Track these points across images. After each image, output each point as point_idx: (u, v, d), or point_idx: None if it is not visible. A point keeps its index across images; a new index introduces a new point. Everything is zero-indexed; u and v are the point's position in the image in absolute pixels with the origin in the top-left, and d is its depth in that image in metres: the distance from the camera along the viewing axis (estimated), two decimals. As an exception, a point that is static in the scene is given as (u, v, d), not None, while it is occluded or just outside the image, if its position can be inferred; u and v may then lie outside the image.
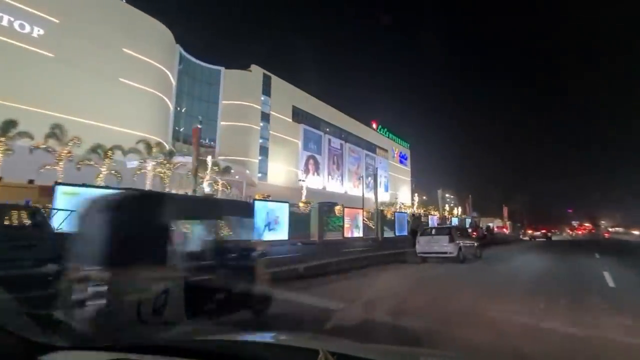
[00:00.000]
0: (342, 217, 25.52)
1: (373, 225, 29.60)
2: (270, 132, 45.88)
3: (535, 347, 3.61)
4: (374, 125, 72.23)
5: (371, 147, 69.74)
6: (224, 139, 41.36)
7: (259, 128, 44.39)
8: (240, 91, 42.37)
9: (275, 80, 47.40)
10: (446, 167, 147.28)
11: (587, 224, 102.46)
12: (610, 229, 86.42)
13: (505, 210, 59.33)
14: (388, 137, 76.94)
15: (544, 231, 35.79)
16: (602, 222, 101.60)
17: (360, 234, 26.85)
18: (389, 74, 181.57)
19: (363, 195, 36.04)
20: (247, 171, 39.97)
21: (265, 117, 45.65)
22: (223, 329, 2.47)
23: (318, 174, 53.61)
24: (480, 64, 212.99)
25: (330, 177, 56.42)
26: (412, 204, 69.52)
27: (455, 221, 36.46)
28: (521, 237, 36.07)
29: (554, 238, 44.32)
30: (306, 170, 51.03)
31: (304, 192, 42.70)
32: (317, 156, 53.75)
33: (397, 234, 31.58)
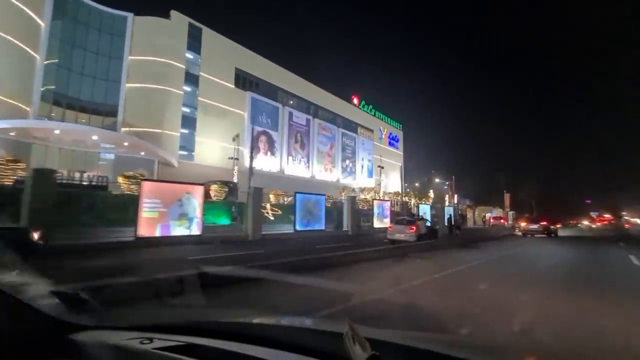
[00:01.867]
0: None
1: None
2: (199, 98, 36.24)
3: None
4: (355, 101, 61.78)
5: (350, 126, 59.43)
6: (131, 105, 31.96)
7: (182, 93, 34.80)
8: (156, 45, 32.78)
9: (209, 35, 37.56)
10: (445, 152, 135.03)
11: (607, 215, 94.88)
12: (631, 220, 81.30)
13: (506, 198, 48.52)
14: (374, 115, 66.42)
15: (543, 223, 24.97)
16: (623, 213, 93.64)
17: (322, 226, 17.47)
18: (379, 44, 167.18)
19: (335, 180, 25.89)
20: (160, 149, 30.63)
21: (193, 79, 36.00)
22: (244, 312, 2.08)
23: (273, 154, 43.87)
24: (486, 32, 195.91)
25: (291, 158, 46.63)
26: (404, 191, 59.70)
27: (425, 210, 26.41)
28: (516, 231, 25.55)
29: (561, 232, 33.48)
30: (255, 148, 41.30)
31: (235, 174, 33.15)
32: (272, 132, 43.94)
33: (374, 225, 24.33)
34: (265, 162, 42.44)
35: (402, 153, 74.69)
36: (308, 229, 16.34)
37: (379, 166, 54.03)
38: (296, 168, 46.65)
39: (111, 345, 1.17)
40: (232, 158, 33.79)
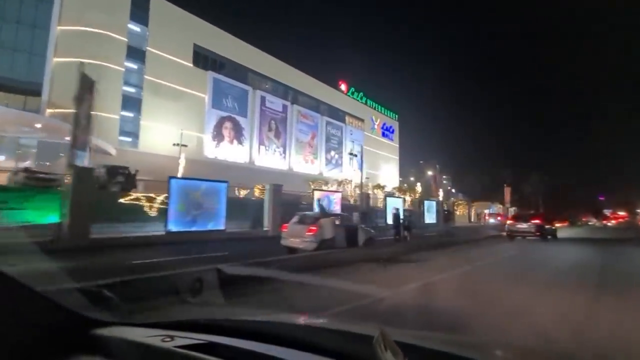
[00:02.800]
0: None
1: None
2: (147, 77, 31.56)
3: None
4: (343, 87, 56.57)
5: (337, 114, 54.30)
6: (59, 83, 27.42)
7: (123, 70, 30.16)
8: (91, 13, 28.15)
9: (159, 4, 32.80)
10: (446, 144, 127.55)
11: (621, 213, 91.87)
12: None
13: (507, 193, 42.85)
14: (365, 104, 61.13)
15: (534, 222, 19.17)
16: (639, 210, 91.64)
17: (220, 225, 12.57)
18: (375, 27, 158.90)
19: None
20: (94, 136, 26.01)
21: (138, 55, 31.34)
22: (264, 311, 2.09)
23: (240, 143, 39.05)
24: (494, 17, 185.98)
25: (264, 147, 41.77)
26: (400, 185, 54.36)
27: (397, 204, 21.23)
28: (507, 232, 19.91)
29: (566, 232, 27.79)
30: (217, 136, 36.60)
31: (182, 163, 28.44)
32: (240, 118, 39.09)
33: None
34: (231, 152, 37.69)
35: (397, 145, 69.25)
36: (193, 229, 11.44)
37: (349, 153, 48.34)
38: (269, 159, 41.77)
39: (133, 341, 1.16)
40: (177, 145, 28.99)
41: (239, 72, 39.95)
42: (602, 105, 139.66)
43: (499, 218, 38.32)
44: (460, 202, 45.13)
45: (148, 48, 31.69)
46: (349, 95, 57.54)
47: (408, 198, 35.90)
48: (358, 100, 59.47)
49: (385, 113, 66.59)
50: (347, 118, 56.47)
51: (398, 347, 0.81)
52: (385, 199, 31.24)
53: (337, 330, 1.29)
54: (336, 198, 20.95)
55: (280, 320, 1.48)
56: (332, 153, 51.95)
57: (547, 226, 18.51)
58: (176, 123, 32.17)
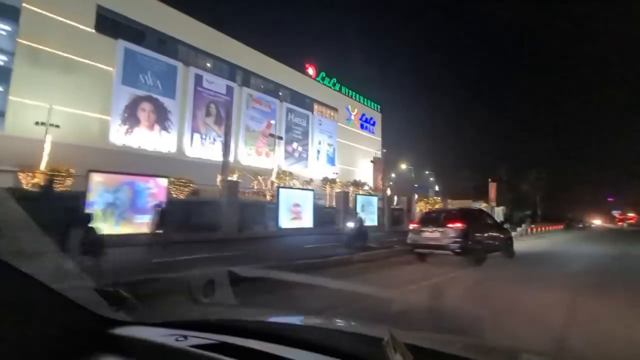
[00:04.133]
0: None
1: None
2: (20, 41, 24.77)
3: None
4: (311, 71, 49.51)
5: (302, 101, 47.17)
6: None
7: (-19, 29, 23.44)
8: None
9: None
10: (435, 138, 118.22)
11: (630, 214, 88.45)
12: None
13: (492, 189, 35.32)
14: (340, 91, 53.99)
15: (452, 226, 10.67)
16: None
17: None
18: (353, 15, 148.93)
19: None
20: None
21: (7, 12, 24.64)
22: (275, 312, 2.05)
23: (166, 129, 32.08)
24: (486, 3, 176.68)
25: (200, 136, 34.81)
26: (382, 184, 47.01)
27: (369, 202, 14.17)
28: (411, 246, 11.74)
29: (540, 242, 19.90)
30: (130, 119, 29.67)
31: (46, 149, 21.53)
32: (165, 99, 32.13)
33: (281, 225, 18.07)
34: (151, 139, 30.75)
35: (379, 139, 61.85)
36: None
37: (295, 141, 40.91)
38: (207, 150, 34.75)
39: (147, 341, 1.18)
40: (41, 124, 22.03)
41: (168, 45, 33.13)
42: (609, 104, 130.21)
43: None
44: (430, 199, 37.48)
45: (24, 5, 24.92)
46: (319, 81, 50.44)
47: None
48: (330, 87, 52.31)
49: (366, 103, 59.33)
50: (315, 106, 49.32)
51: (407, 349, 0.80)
52: (355, 199, 24.28)
53: (347, 332, 1.31)
54: (307, 198, 15.43)
55: (290, 322, 1.51)
56: (295, 145, 44.76)
57: (473, 234, 9.40)
58: (64, 101, 25.32)
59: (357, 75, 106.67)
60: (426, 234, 9.67)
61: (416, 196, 34.11)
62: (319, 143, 48.19)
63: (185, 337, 1.17)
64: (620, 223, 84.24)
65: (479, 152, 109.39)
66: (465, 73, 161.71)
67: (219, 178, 21.15)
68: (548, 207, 56.21)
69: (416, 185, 45.14)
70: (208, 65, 36.90)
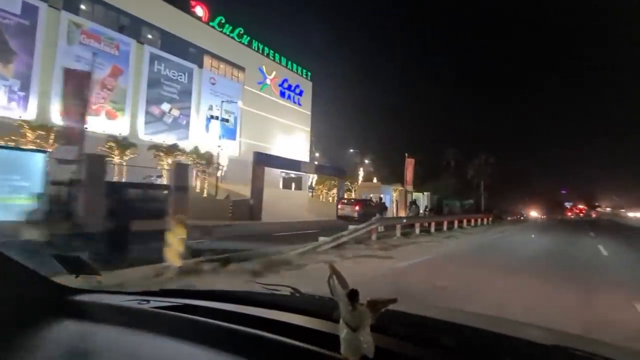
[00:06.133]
0: None
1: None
2: None
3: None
4: (201, 13, 36.49)
5: (182, 48, 33.87)
6: None
7: None
8: None
9: None
10: (375, 115, 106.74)
11: (581, 206, 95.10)
12: (599, 210, 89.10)
13: (408, 168, 24.77)
14: (250, 46, 41.23)
15: None
16: (597, 203, 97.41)
17: None
18: None
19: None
20: None
21: None
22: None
23: None
24: None
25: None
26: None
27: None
28: None
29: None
30: None
31: None
32: None
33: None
34: None
35: (309, 112, 49.73)
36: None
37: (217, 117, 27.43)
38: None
39: (108, 305, 1.17)
40: None
41: None
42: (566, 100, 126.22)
43: (357, 208, 23.08)
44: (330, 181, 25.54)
45: None
46: (216, 28, 37.46)
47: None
48: (234, 39, 39.46)
49: (289, 67, 46.90)
50: (207, 59, 36.31)
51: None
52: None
53: (308, 294, 1.31)
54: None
55: (256, 290, 1.48)
56: (165, 107, 31.55)
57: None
58: None
59: (288, 42, 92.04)
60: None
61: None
62: (210, 108, 35.22)
63: (148, 301, 1.15)
64: (569, 214, 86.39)
65: (433, 139, 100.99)
66: (420, 52, 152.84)
67: None
68: (492, 196, 47.29)
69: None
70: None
